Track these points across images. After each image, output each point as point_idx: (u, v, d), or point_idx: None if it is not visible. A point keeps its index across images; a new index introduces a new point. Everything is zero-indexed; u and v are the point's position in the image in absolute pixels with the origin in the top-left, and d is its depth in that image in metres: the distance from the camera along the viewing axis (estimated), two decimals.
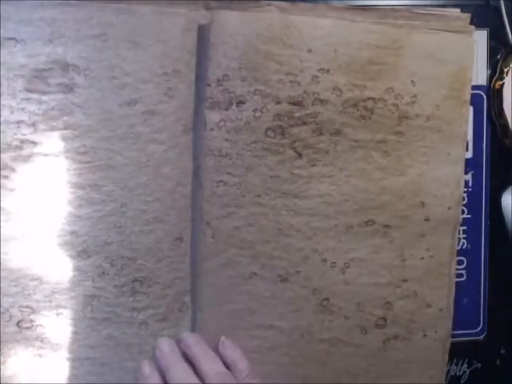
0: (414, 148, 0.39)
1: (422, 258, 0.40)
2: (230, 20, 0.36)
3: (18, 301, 0.36)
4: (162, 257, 0.37)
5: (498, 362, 0.45)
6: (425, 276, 0.40)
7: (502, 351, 0.45)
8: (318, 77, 0.37)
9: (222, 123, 0.37)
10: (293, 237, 0.39)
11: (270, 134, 0.37)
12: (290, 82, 0.37)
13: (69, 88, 0.35)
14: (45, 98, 0.35)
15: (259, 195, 0.38)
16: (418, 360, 0.41)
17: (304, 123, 0.38)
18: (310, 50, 0.37)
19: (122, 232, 0.37)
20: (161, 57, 0.36)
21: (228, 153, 0.37)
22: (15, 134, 0.35)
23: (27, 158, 0.35)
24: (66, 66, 0.35)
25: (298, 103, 0.37)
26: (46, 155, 0.35)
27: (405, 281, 0.40)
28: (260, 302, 0.39)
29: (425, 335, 0.41)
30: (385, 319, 0.40)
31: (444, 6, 0.41)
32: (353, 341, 0.40)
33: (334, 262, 0.39)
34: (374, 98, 0.38)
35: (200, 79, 0.37)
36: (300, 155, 0.38)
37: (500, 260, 0.44)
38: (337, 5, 0.39)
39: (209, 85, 0.36)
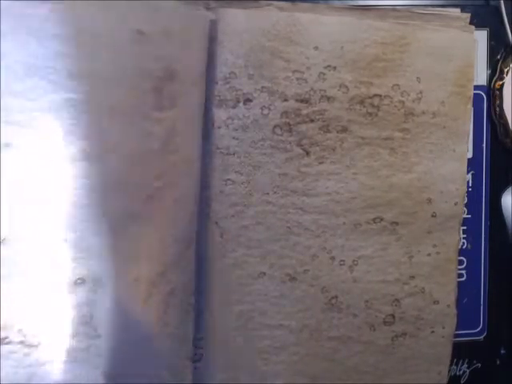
0: (420, 145, 0.39)
1: (429, 255, 0.40)
2: (236, 18, 0.36)
3: None
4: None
5: (498, 362, 0.45)
6: (432, 272, 0.40)
7: (502, 351, 0.45)
8: (324, 74, 0.37)
9: (230, 121, 0.37)
10: (301, 235, 0.38)
11: (278, 131, 0.37)
12: (297, 79, 0.37)
13: None
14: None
15: (267, 193, 0.38)
16: (426, 356, 0.41)
17: (311, 120, 0.37)
18: (316, 47, 0.37)
19: None
20: None
21: (236, 151, 0.37)
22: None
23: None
24: None
25: (304, 100, 0.37)
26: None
27: (412, 277, 0.40)
28: (269, 301, 0.38)
29: (433, 331, 0.41)
30: (393, 316, 0.40)
31: (444, 6, 0.41)
32: (361, 338, 0.40)
33: (343, 260, 0.39)
34: (380, 95, 0.38)
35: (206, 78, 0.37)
36: (308, 153, 0.38)
37: (500, 260, 0.44)
38: (336, 5, 0.39)
39: (216, 83, 0.36)
